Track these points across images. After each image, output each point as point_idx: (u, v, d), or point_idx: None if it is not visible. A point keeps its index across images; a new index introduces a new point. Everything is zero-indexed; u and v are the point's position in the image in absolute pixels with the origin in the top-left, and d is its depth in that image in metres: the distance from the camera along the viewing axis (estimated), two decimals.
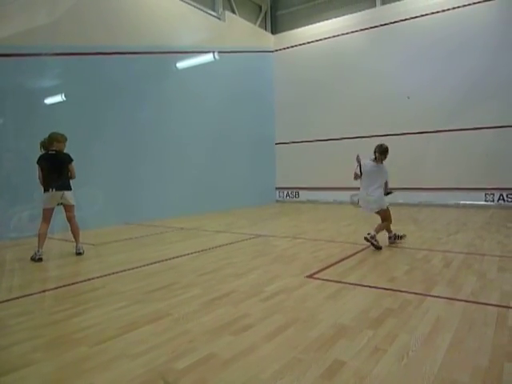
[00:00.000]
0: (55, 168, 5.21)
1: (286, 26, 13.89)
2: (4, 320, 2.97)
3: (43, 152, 5.26)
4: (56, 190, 5.15)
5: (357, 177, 5.43)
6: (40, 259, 4.98)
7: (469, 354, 2.24)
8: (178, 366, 2.16)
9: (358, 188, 5.59)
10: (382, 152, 5.41)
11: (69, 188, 5.30)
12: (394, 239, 5.36)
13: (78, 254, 5.31)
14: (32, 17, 7.16)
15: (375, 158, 5.42)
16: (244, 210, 11.04)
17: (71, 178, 5.36)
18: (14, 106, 6.99)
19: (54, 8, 7.48)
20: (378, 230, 5.25)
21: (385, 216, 5.45)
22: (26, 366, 2.23)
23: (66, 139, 5.32)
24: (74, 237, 5.41)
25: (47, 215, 5.21)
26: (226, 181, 11.29)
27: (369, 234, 5.16)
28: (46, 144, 5.24)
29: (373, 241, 5.10)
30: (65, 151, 5.36)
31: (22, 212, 6.90)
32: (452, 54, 10.51)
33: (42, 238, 5.12)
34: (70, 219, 5.37)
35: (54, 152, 5.22)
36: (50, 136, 5.24)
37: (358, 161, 5.37)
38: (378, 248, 5.14)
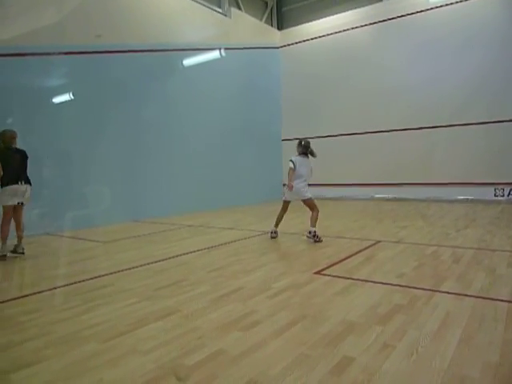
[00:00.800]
0: (22, 163, 5.21)
1: (292, 22, 13.82)
2: (16, 317, 3.01)
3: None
4: (24, 182, 5.14)
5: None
6: (4, 256, 5.05)
7: (479, 349, 2.23)
8: (187, 362, 2.17)
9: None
10: (309, 147, 6.07)
11: (30, 183, 5.29)
12: (313, 237, 5.53)
13: (21, 253, 5.20)
14: (38, 16, 7.21)
15: (303, 153, 5.96)
16: (251, 206, 11.05)
17: None
18: (21, 105, 7.05)
19: (59, 7, 7.52)
20: (314, 224, 5.64)
21: (312, 204, 5.77)
22: (38, 362, 2.26)
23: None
24: (21, 236, 5.27)
25: (10, 212, 5.12)
26: (232, 178, 11.30)
27: (310, 232, 5.59)
28: (6, 141, 5.14)
29: (316, 238, 5.49)
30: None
31: (30, 210, 6.97)
32: (460, 47, 10.38)
33: (5, 235, 5.10)
34: (21, 218, 5.28)
35: (16, 148, 5.22)
36: (6, 133, 5.17)
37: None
38: (321, 241, 5.51)
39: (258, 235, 6.29)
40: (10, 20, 6.88)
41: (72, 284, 3.87)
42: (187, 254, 5.11)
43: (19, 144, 5.30)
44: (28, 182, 5.22)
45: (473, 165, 10.30)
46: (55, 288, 3.78)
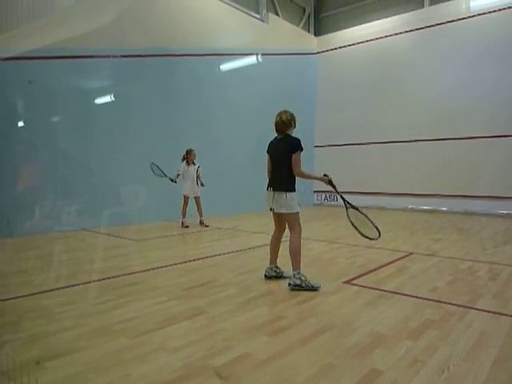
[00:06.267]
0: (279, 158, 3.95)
1: (329, 28, 13.76)
2: (52, 308, 3.13)
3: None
4: (273, 189, 3.98)
5: None
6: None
7: None
8: (214, 362, 2.20)
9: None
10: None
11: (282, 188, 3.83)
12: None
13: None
14: (84, 22, 7.53)
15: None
16: None
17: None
18: (66, 106, 7.37)
19: (103, 14, 7.83)
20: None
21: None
22: (71, 352, 2.34)
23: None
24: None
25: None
26: (263, 182, 11.28)
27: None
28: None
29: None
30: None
31: (70, 206, 7.26)
32: (509, 55, 9.95)
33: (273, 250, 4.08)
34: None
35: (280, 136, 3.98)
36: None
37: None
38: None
39: (287, 241, 6.26)
40: (63, 23, 7.23)
41: (106, 279, 4.00)
42: (217, 255, 5.16)
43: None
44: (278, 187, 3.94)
45: None
46: (90, 282, 3.91)
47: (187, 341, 2.50)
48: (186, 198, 7.85)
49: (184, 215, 7.83)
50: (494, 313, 3.04)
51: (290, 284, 3.63)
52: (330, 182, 3.83)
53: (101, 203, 7.66)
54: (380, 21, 12.20)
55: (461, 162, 10.60)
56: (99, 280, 3.97)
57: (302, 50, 13.09)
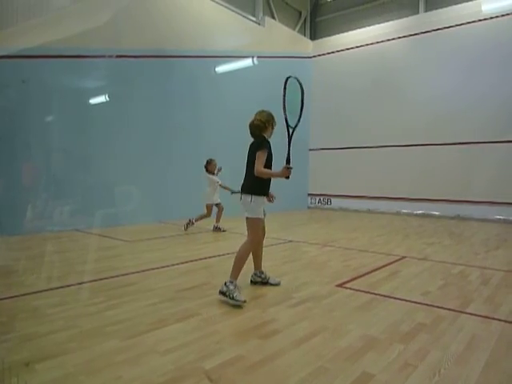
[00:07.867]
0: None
1: (325, 32, 13.83)
2: (43, 309, 3.11)
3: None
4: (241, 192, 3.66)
5: None
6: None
7: (506, 375, 2.14)
8: (205, 365, 2.19)
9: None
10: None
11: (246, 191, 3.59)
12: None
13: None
14: (79, 22, 7.51)
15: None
16: (274, 214, 11.01)
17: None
18: (61, 106, 7.32)
19: (99, 14, 7.81)
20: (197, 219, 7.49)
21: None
22: (62, 354, 2.32)
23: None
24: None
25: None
26: None
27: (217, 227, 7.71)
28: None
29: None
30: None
31: (63, 206, 7.22)
32: (503, 61, 10.05)
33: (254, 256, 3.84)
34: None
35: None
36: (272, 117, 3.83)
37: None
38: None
39: (281, 243, 6.27)
40: (58, 23, 7.20)
41: (98, 280, 3.97)
42: (211, 257, 5.15)
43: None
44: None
45: (506, 183, 9.94)
46: (82, 283, 3.88)
47: (179, 343, 2.49)
48: (210, 207, 7.62)
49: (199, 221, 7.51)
50: (485, 317, 3.06)
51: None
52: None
53: (94, 204, 7.63)
54: (376, 26, 12.30)
55: (455, 166, 10.69)
56: (91, 281, 3.95)
57: (298, 54, 13.14)
